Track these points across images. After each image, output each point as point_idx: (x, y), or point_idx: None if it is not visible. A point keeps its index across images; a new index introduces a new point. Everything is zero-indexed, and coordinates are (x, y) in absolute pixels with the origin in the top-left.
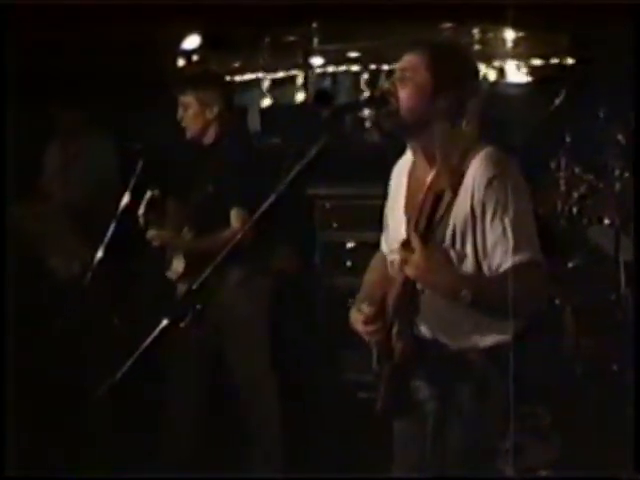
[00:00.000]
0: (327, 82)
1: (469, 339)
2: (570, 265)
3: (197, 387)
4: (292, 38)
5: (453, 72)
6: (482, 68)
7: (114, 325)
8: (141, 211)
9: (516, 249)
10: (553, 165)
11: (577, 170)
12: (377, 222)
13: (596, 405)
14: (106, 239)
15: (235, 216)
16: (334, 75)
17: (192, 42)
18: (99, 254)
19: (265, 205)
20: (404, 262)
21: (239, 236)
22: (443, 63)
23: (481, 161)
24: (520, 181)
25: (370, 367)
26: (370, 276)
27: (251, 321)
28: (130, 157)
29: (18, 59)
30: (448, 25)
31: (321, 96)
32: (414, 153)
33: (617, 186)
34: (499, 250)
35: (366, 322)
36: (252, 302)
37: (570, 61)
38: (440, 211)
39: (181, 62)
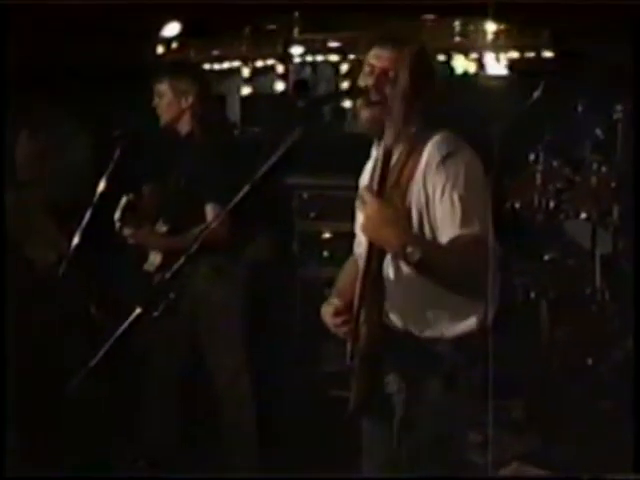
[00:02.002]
0: (307, 72)
1: (435, 328)
2: (546, 258)
3: (172, 377)
4: (273, 27)
5: (428, 69)
6: (463, 60)
7: (91, 314)
8: (117, 216)
9: (463, 222)
10: (531, 158)
11: (555, 164)
12: (354, 213)
13: (570, 398)
14: (82, 226)
15: (210, 212)
16: (314, 65)
17: (172, 29)
18: (75, 240)
19: (238, 197)
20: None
21: (212, 227)
22: (420, 61)
23: (435, 142)
24: (473, 162)
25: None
26: (343, 275)
27: (225, 310)
28: (107, 144)
29: None
30: (429, 17)
31: (300, 86)
32: (382, 150)
33: (594, 180)
34: (447, 223)
35: (335, 314)
36: (226, 291)
37: (550, 54)
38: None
39: (160, 49)
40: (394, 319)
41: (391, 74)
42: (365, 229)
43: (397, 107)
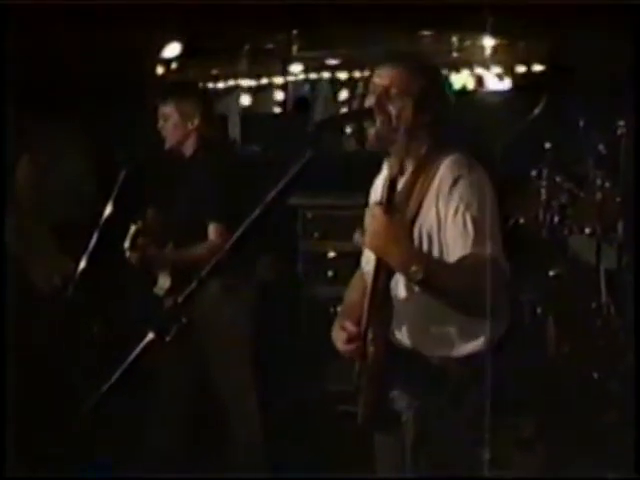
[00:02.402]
0: (306, 89)
1: (444, 347)
2: (551, 274)
3: (179, 392)
4: (271, 45)
5: (434, 86)
6: (462, 75)
7: (95, 337)
8: (127, 245)
9: (475, 243)
10: (534, 174)
11: (558, 179)
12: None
13: (578, 413)
14: (88, 251)
15: (212, 230)
16: (313, 82)
17: (172, 50)
18: (82, 265)
19: (249, 220)
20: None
21: (224, 248)
22: (425, 78)
23: (448, 164)
24: (485, 183)
25: (352, 377)
26: (350, 294)
27: (234, 331)
28: (109, 166)
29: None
30: (427, 33)
31: (300, 104)
32: (390, 168)
33: (598, 195)
34: (459, 244)
35: (348, 341)
36: (235, 312)
37: (549, 69)
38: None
39: (160, 70)
40: (401, 337)
41: (392, 91)
42: (371, 244)
43: (400, 124)
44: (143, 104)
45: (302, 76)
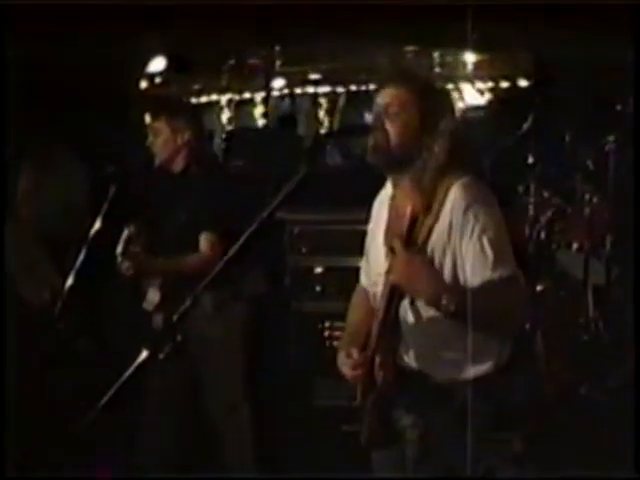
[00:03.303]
0: (288, 104)
1: (451, 371)
2: (539, 289)
3: (171, 416)
4: (254, 60)
5: (438, 107)
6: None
7: (83, 353)
8: (119, 250)
9: (496, 265)
10: (521, 189)
11: (546, 194)
12: (346, 247)
13: (566, 429)
14: (77, 266)
15: (204, 240)
16: (294, 97)
17: (157, 64)
18: (69, 281)
19: (245, 235)
20: (389, 270)
21: (216, 260)
22: (429, 99)
23: (459, 189)
24: (494, 205)
25: (341, 392)
26: (353, 315)
27: (226, 346)
28: (101, 182)
29: None
30: (410, 48)
31: (285, 120)
32: (395, 186)
33: (586, 211)
34: (478, 267)
35: (354, 367)
36: (226, 327)
37: (529, 83)
38: (419, 227)
39: (144, 84)
40: (409, 360)
41: (391, 110)
42: (397, 280)
43: (398, 142)
44: (130, 119)
45: (285, 91)
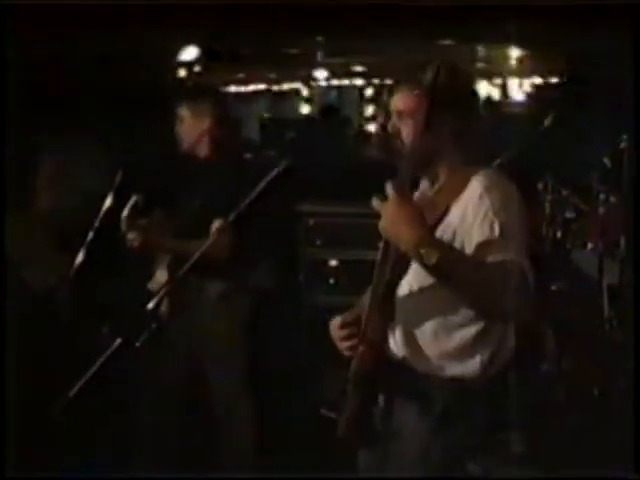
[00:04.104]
0: (332, 96)
1: (434, 364)
2: (553, 288)
3: (173, 402)
4: (296, 51)
5: (451, 101)
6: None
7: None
8: (124, 214)
9: (500, 247)
10: (540, 186)
11: (564, 192)
12: (361, 240)
13: (577, 430)
14: (85, 247)
15: (217, 227)
16: (339, 88)
17: (190, 53)
18: (79, 258)
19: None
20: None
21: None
22: (439, 94)
23: (478, 177)
24: (515, 197)
25: None
26: (361, 300)
27: (230, 338)
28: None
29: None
30: (449, 42)
31: (328, 111)
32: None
33: (601, 210)
34: (484, 246)
35: (342, 326)
36: (231, 318)
37: (560, 80)
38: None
39: (182, 73)
40: (394, 346)
41: (404, 110)
42: (383, 226)
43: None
44: (161, 107)
45: (327, 83)
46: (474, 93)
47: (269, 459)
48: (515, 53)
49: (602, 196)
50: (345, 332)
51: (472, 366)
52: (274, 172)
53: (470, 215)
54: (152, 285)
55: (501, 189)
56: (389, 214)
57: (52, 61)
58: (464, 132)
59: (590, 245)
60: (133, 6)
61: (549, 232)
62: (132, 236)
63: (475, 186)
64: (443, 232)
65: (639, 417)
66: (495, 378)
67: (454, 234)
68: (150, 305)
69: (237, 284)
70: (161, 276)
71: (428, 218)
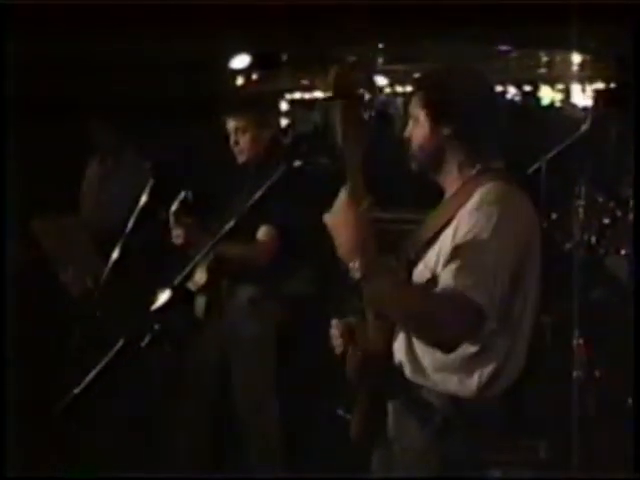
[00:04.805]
0: (390, 103)
1: (430, 377)
2: (588, 296)
3: (200, 404)
4: (354, 58)
5: (454, 102)
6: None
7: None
8: (173, 208)
9: (459, 272)
10: (576, 191)
11: (600, 198)
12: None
13: (610, 439)
14: (121, 241)
15: (263, 232)
16: (399, 96)
17: (243, 61)
18: (114, 255)
19: (224, 230)
20: None
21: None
22: (440, 95)
23: (483, 189)
24: (515, 219)
25: None
26: None
27: (257, 344)
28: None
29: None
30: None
31: (382, 118)
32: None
33: (631, 216)
34: (447, 271)
35: (337, 326)
36: (259, 325)
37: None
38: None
39: (239, 81)
40: (395, 352)
41: (413, 116)
42: (329, 224)
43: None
44: (211, 117)
45: (387, 89)
46: (485, 94)
47: (292, 461)
48: (577, 58)
49: (632, 202)
50: (336, 332)
51: (468, 385)
52: (271, 180)
53: (460, 229)
54: (191, 285)
55: (498, 207)
56: (335, 215)
57: (101, 67)
58: (469, 133)
59: (623, 252)
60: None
61: (583, 238)
62: (177, 232)
63: (475, 199)
64: (442, 243)
65: (639, 417)
66: (502, 395)
67: (440, 254)
68: (156, 305)
69: (268, 290)
70: (201, 276)
71: (437, 226)
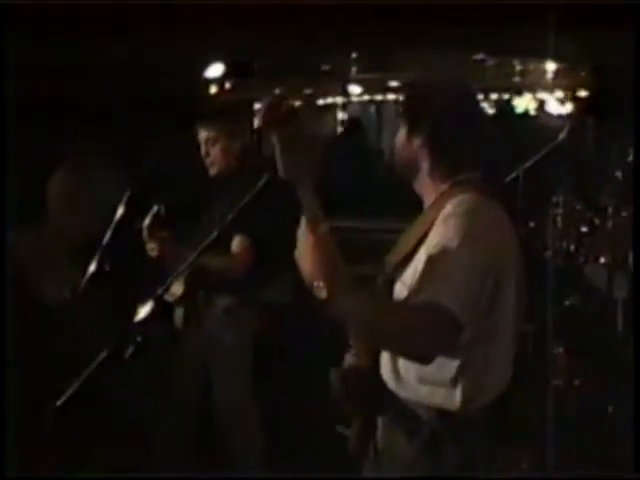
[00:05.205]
0: (358, 110)
1: (413, 389)
2: (566, 304)
3: (181, 412)
4: (328, 67)
5: (429, 112)
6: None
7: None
8: (146, 223)
9: (430, 286)
10: (555, 200)
11: (578, 207)
12: (375, 256)
13: (591, 447)
14: (98, 253)
15: (237, 243)
16: (377, 104)
17: (217, 70)
18: (91, 268)
19: (208, 241)
20: None
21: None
22: (416, 104)
23: (455, 201)
24: (487, 231)
25: None
26: None
27: (235, 354)
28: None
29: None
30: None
31: (352, 125)
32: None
33: (609, 224)
34: (417, 282)
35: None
36: (236, 332)
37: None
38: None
39: (212, 89)
40: (383, 370)
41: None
42: (297, 253)
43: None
44: (183, 127)
45: (362, 97)
46: (468, 107)
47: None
48: (551, 67)
49: (610, 209)
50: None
51: (453, 398)
52: (255, 189)
53: (431, 241)
54: (168, 297)
55: (468, 217)
56: (299, 244)
57: (73, 72)
58: (441, 144)
59: (602, 260)
60: (157, 16)
61: (562, 246)
62: (152, 246)
63: (446, 209)
64: (417, 260)
65: (639, 418)
66: (489, 406)
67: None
68: (138, 317)
69: (244, 299)
70: (177, 287)
71: (413, 240)
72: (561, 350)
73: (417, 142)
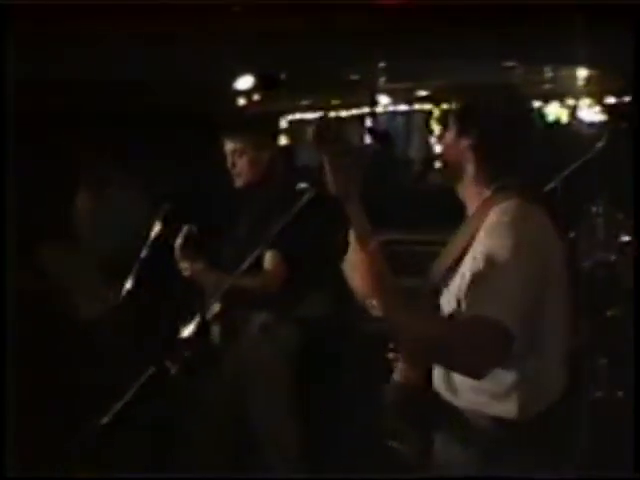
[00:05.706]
0: (388, 121)
1: (465, 398)
2: (608, 314)
3: (218, 430)
4: (356, 77)
5: (468, 117)
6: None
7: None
8: (178, 242)
9: (482, 300)
10: (594, 210)
11: (620, 216)
12: (415, 269)
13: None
14: (134, 270)
15: (269, 259)
16: (406, 114)
17: (246, 82)
18: (128, 285)
19: (250, 259)
20: None
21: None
22: (457, 110)
23: (499, 209)
24: (533, 239)
25: None
26: None
27: (272, 371)
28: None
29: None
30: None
31: (382, 136)
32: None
33: None
34: (469, 297)
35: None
36: (273, 351)
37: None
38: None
39: (241, 102)
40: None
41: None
42: (345, 268)
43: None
44: (212, 135)
45: (390, 108)
46: (516, 112)
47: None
48: (583, 73)
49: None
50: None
51: (509, 408)
52: (301, 203)
53: (477, 251)
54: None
55: (515, 227)
56: (347, 261)
57: (101, 86)
58: (489, 146)
59: None
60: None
61: (603, 256)
62: (184, 265)
63: (490, 219)
64: (464, 268)
65: (639, 417)
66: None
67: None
68: (182, 335)
69: (279, 315)
70: (215, 305)
71: (458, 250)
72: (604, 362)
73: (465, 143)
